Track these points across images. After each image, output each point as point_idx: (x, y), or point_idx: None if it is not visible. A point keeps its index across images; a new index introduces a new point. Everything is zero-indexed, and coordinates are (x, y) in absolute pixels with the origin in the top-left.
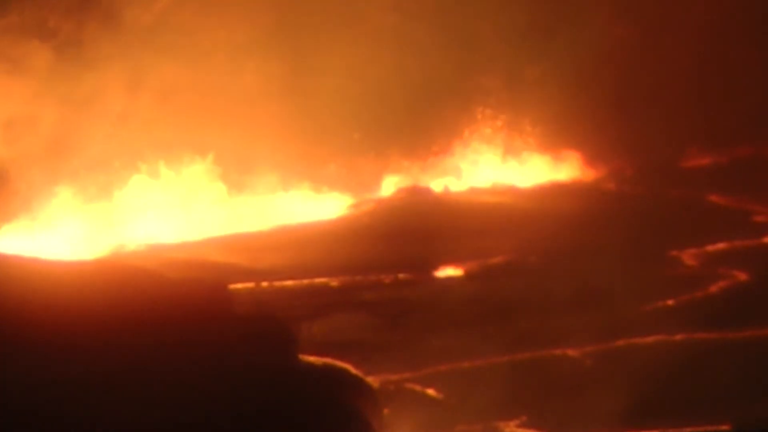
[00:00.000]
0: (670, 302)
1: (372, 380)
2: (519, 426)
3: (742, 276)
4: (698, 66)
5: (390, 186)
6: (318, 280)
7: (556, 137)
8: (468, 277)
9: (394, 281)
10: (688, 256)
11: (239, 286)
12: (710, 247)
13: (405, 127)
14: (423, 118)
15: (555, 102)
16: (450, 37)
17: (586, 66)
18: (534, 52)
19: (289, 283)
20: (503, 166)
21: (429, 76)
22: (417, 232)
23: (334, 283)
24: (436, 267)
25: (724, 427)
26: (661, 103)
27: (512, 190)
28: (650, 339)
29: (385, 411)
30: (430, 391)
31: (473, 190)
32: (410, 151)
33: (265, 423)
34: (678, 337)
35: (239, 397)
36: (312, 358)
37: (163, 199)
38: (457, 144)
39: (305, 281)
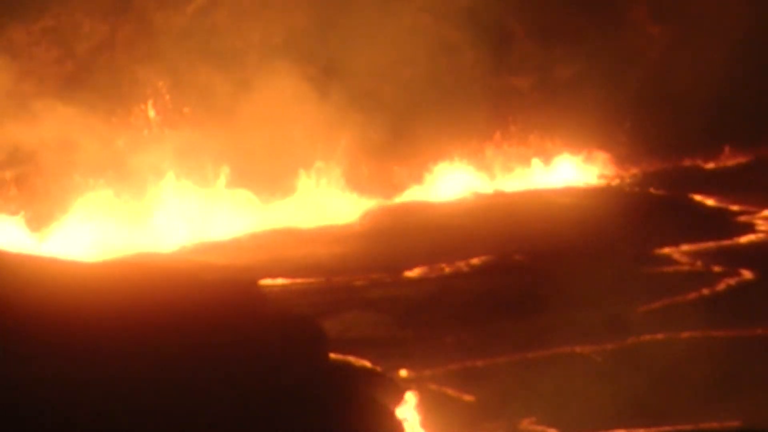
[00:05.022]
0: (679, 299)
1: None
2: (534, 423)
3: (751, 274)
4: (732, 66)
5: (420, 188)
6: (321, 279)
7: (587, 138)
8: (481, 274)
9: (412, 278)
10: (699, 255)
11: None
12: (721, 247)
13: (436, 129)
14: (454, 119)
15: (587, 103)
16: (481, 38)
17: (618, 66)
18: (566, 53)
19: (295, 281)
20: (533, 167)
21: (461, 77)
22: (437, 231)
23: (338, 281)
24: (447, 265)
25: (735, 424)
26: (695, 104)
27: (539, 191)
28: (660, 336)
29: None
30: (449, 390)
31: (498, 192)
32: (440, 154)
33: (298, 419)
34: (686, 334)
35: (271, 394)
36: (338, 356)
37: (192, 200)
38: (488, 146)
39: (309, 280)
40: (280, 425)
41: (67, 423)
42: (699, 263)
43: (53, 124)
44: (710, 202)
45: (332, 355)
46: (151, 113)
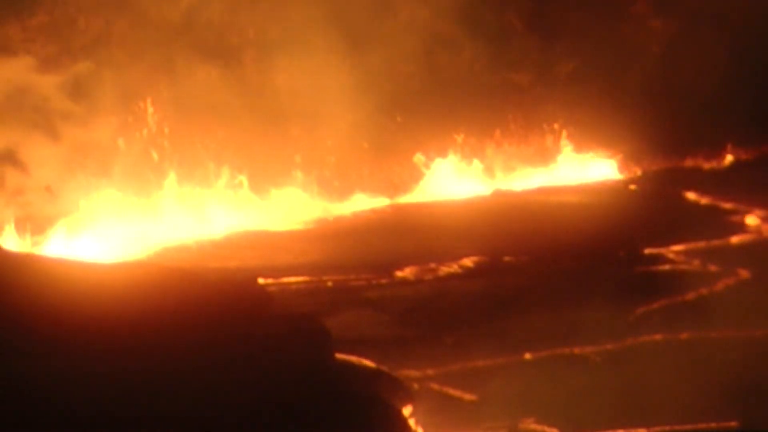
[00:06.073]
0: (676, 300)
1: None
2: (534, 423)
3: (748, 274)
4: (735, 63)
5: (419, 187)
6: (315, 279)
7: (589, 137)
8: (476, 274)
9: (407, 279)
10: (696, 254)
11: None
12: (719, 246)
13: (434, 127)
14: (452, 117)
15: (588, 100)
16: (480, 33)
17: (619, 62)
18: (567, 48)
19: (287, 281)
20: (533, 166)
21: (459, 73)
22: (436, 230)
23: (336, 280)
24: (445, 264)
25: (732, 425)
26: (699, 101)
27: (539, 190)
28: (657, 336)
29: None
30: (451, 389)
31: (497, 191)
32: (439, 152)
33: (305, 419)
34: (684, 335)
35: (277, 394)
36: (343, 355)
37: (190, 199)
38: (488, 144)
39: (308, 278)
40: (286, 424)
41: (70, 422)
42: (696, 262)
43: (49, 121)
44: (708, 201)
45: (342, 355)
46: (150, 110)
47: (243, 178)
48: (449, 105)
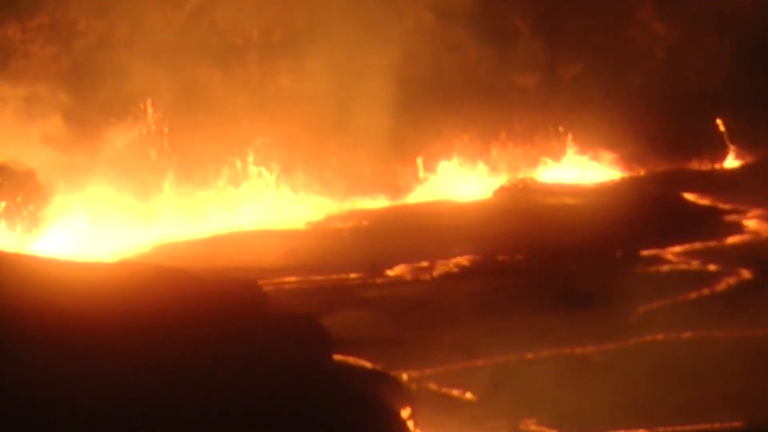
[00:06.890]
0: (678, 299)
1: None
2: (534, 423)
3: (750, 274)
4: (739, 66)
5: (424, 189)
6: (315, 278)
7: (593, 138)
8: (476, 274)
9: (405, 278)
10: (696, 255)
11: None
12: (720, 247)
13: (440, 128)
14: (458, 119)
15: (592, 102)
16: (486, 37)
17: (624, 65)
18: (571, 52)
19: (290, 280)
20: (538, 167)
21: (465, 76)
22: (438, 231)
23: (332, 280)
24: (443, 264)
25: (735, 425)
26: (701, 104)
27: (543, 191)
28: (659, 336)
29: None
30: (451, 389)
31: (499, 189)
32: (445, 153)
33: (304, 419)
34: (686, 334)
35: (276, 394)
36: (340, 356)
37: (188, 199)
38: (493, 145)
39: (304, 278)
40: (284, 425)
41: (67, 422)
42: (696, 263)
43: (50, 122)
44: (707, 202)
45: (340, 356)
46: (150, 111)
47: (243, 178)
48: (454, 107)
